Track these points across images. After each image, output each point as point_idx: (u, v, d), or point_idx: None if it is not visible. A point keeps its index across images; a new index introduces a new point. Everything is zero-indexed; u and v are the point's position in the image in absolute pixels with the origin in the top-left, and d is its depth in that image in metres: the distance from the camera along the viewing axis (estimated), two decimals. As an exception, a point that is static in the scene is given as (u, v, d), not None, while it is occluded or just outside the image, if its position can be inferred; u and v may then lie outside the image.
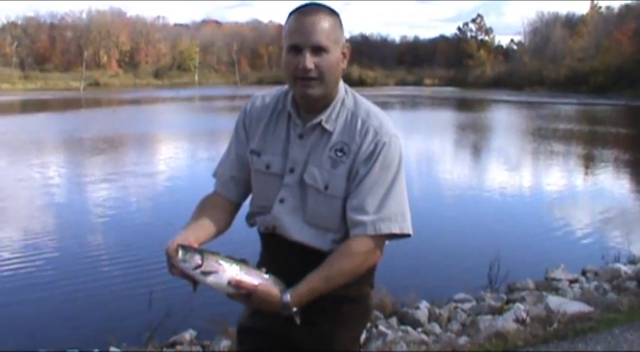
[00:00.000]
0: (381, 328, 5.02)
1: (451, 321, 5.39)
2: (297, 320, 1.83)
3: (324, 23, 1.82)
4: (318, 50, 1.81)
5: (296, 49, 1.82)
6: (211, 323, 5.20)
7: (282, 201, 1.93)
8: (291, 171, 1.93)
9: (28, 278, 7.23)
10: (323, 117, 1.90)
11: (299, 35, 1.81)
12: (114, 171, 15.14)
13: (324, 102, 1.91)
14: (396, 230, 1.87)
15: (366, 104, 1.95)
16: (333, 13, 1.87)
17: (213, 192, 2.08)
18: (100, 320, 5.97)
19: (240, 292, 1.78)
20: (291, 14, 1.86)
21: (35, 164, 16.07)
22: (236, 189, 2.06)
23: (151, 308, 5.30)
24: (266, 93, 2.07)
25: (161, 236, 2.28)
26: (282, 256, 1.94)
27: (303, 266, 1.85)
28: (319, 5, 1.87)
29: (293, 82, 1.87)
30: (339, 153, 1.88)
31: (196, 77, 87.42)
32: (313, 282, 1.82)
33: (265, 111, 2.01)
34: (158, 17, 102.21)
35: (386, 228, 1.86)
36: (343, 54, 1.90)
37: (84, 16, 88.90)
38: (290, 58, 1.84)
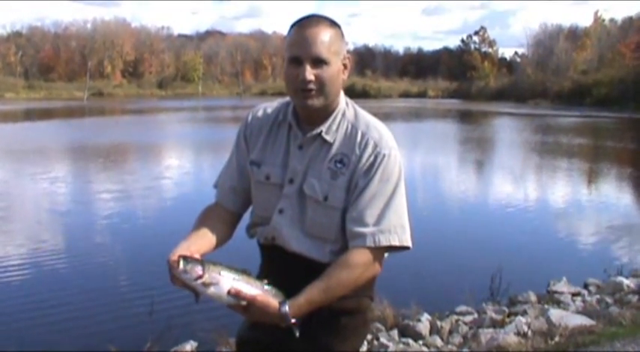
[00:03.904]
0: (382, 340, 5.02)
1: (452, 334, 5.36)
2: (296, 332, 1.83)
3: (325, 35, 1.83)
4: (319, 62, 1.82)
5: (296, 61, 1.83)
6: (212, 334, 5.19)
7: (281, 211, 1.94)
8: (291, 181, 1.93)
9: (30, 286, 7.22)
10: (323, 128, 1.91)
11: (299, 47, 1.83)
12: (116, 181, 15.15)
13: (324, 114, 1.92)
14: (395, 242, 1.87)
15: (367, 116, 1.96)
16: (334, 24, 1.88)
17: (214, 203, 2.09)
18: (100, 329, 5.95)
19: (239, 302, 1.77)
20: (292, 26, 1.87)
21: (38, 172, 16.08)
22: (237, 199, 2.06)
23: (152, 319, 5.31)
24: (267, 105, 2.08)
25: (163, 246, 2.28)
26: (281, 268, 1.94)
27: (303, 277, 1.84)
28: (320, 17, 1.88)
29: (294, 93, 1.88)
30: (338, 165, 1.89)
31: (200, 88, 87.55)
32: (312, 294, 1.81)
33: (266, 122, 2.02)
34: (162, 28, 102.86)
35: (385, 240, 1.85)
36: (344, 65, 1.91)
37: (88, 25, 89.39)
38: (291, 70, 1.85)
